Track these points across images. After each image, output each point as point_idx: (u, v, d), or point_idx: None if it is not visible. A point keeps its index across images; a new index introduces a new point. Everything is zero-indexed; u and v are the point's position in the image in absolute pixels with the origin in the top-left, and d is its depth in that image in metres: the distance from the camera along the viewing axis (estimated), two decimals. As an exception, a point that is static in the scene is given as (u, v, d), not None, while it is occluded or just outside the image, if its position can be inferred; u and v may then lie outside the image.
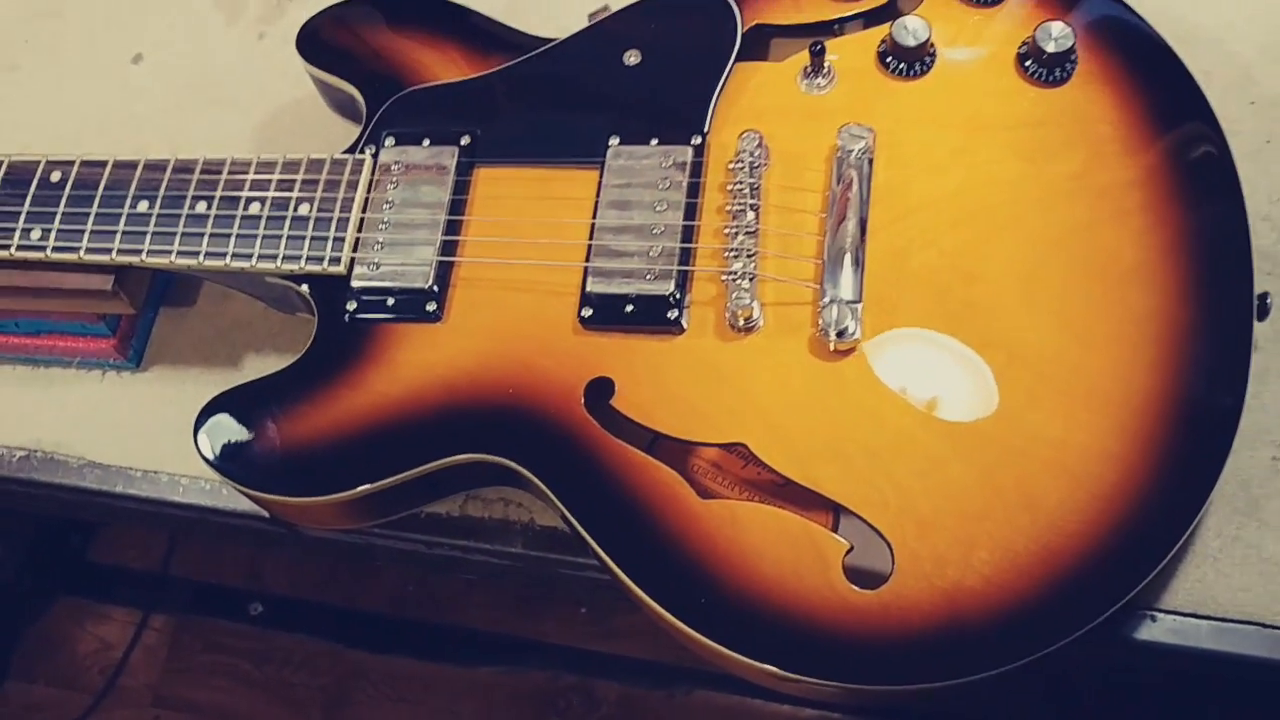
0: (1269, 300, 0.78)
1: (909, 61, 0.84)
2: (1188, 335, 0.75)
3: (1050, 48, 0.81)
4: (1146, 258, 0.77)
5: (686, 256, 0.81)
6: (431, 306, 0.83)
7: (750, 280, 0.79)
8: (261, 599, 1.72)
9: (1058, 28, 0.82)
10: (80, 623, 1.75)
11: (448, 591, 1.66)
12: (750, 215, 0.80)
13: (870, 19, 0.87)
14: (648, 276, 0.80)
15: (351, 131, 0.92)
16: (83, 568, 1.79)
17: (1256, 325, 0.80)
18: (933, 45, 0.84)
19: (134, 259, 0.88)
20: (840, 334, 0.76)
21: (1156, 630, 0.78)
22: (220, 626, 1.71)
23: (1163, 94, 0.82)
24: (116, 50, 1.12)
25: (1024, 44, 0.83)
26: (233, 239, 0.86)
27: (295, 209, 0.86)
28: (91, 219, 0.89)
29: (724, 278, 0.80)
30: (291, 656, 1.68)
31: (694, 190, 0.82)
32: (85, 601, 1.77)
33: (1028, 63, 0.83)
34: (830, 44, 0.85)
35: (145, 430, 0.96)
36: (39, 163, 0.91)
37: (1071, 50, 0.82)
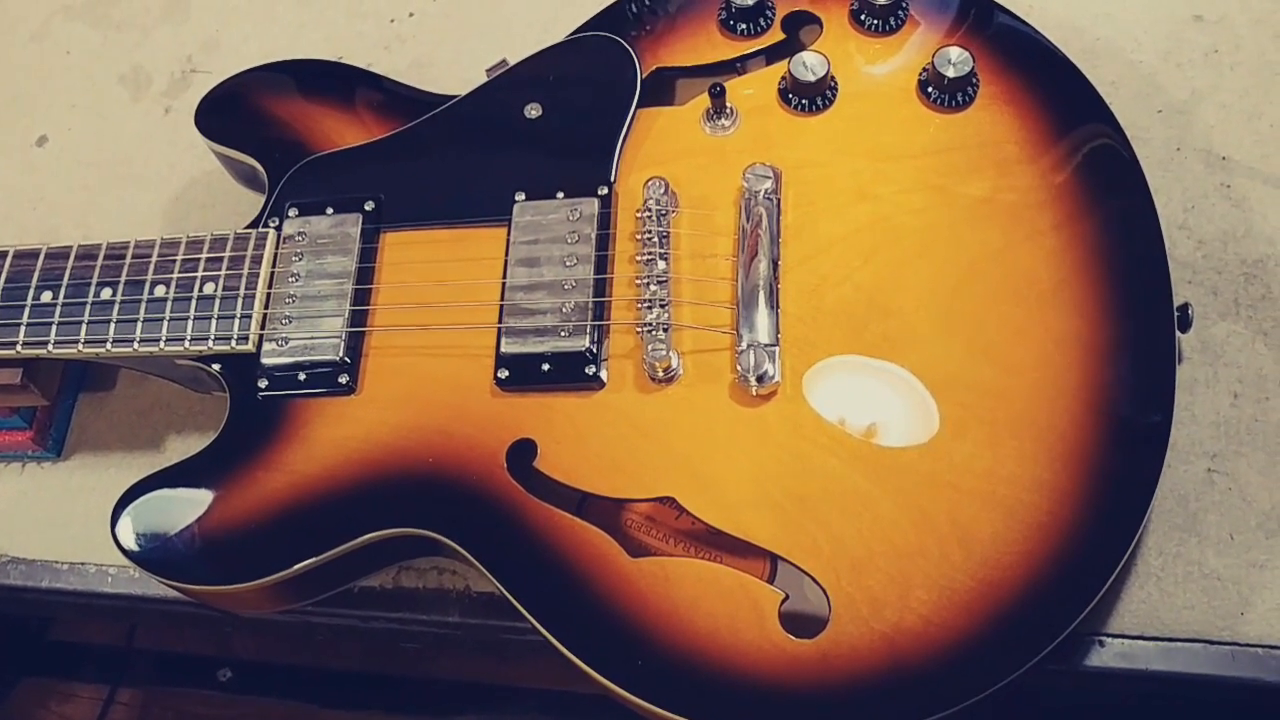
0: (1190, 311, 0.78)
1: (810, 97, 0.83)
2: (1111, 354, 0.74)
3: (950, 73, 0.80)
4: (1063, 278, 0.76)
5: (600, 310, 0.79)
6: (344, 379, 0.81)
7: (666, 330, 0.77)
8: (230, 664, 1.68)
9: (955, 52, 0.81)
10: (45, 703, 1.71)
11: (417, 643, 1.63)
12: (662, 264, 0.79)
13: (771, 56, 0.87)
14: (562, 333, 0.78)
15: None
16: (44, 647, 1.75)
17: (1181, 336, 0.79)
18: (833, 79, 0.83)
19: (40, 351, 0.86)
20: (760, 378, 0.75)
21: (1105, 655, 0.76)
22: (189, 695, 1.67)
23: (1068, 110, 0.82)
24: (20, 133, 1.11)
25: (924, 71, 0.83)
26: (139, 324, 0.84)
27: (200, 289, 0.84)
28: (-6, 313, 0.87)
29: (639, 329, 0.78)
30: (264, 720, 1.64)
31: (603, 242, 0.81)
32: (49, 681, 1.73)
33: (929, 89, 0.82)
34: (731, 84, 0.84)
35: (70, 521, 0.94)
36: (-63, 258, 0.89)
37: (972, 74, 0.81)
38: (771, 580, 0.73)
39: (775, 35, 0.87)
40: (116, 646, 1.72)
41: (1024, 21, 0.86)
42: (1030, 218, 0.78)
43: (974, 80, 0.82)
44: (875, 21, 0.85)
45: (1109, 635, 0.77)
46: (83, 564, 0.93)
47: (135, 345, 0.84)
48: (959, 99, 0.82)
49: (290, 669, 1.68)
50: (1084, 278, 0.76)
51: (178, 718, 1.66)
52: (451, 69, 1.04)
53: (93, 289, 0.85)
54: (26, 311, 0.86)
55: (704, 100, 0.84)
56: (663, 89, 0.88)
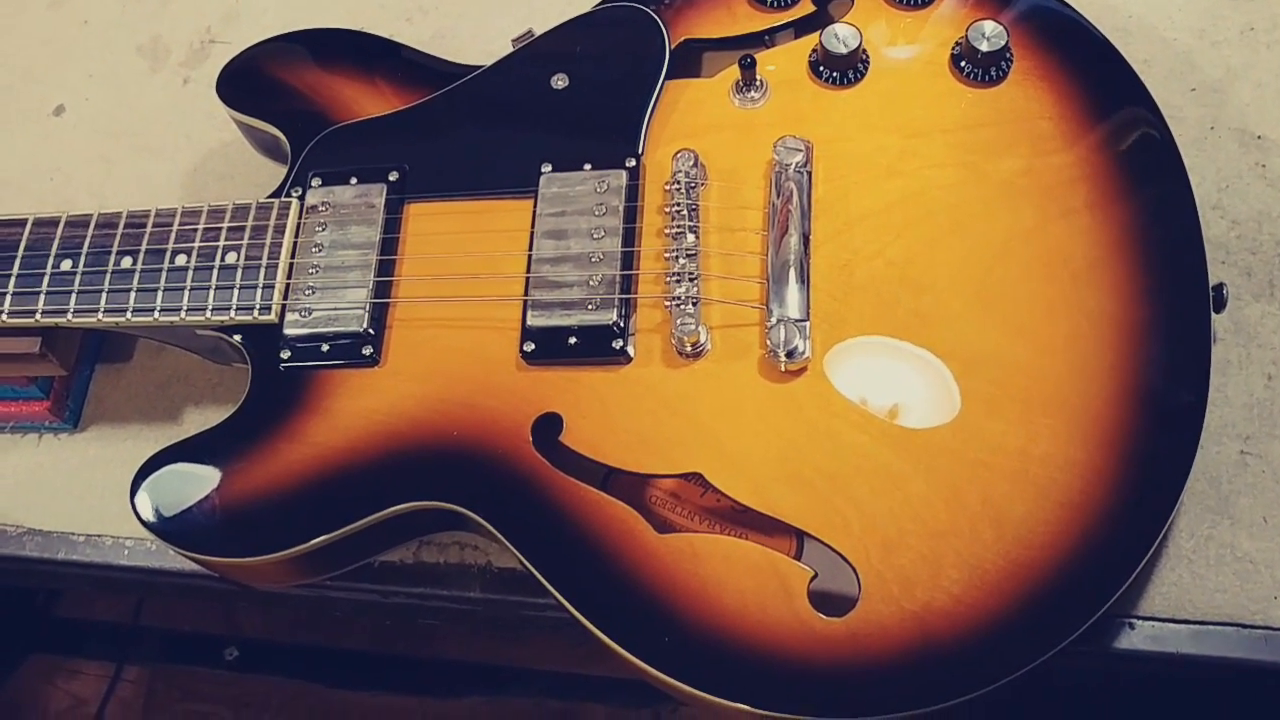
0: (1225, 291, 0.77)
1: (841, 70, 0.82)
2: (1145, 333, 0.74)
3: (984, 47, 0.79)
4: (1098, 256, 0.75)
5: (628, 284, 0.78)
6: (368, 350, 0.80)
7: (695, 305, 0.76)
8: (237, 643, 1.67)
9: (990, 26, 0.80)
10: (52, 680, 1.70)
11: (426, 623, 1.63)
12: (691, 237, 0.78)
13: (801, 28, 0.85)
14: (589, 306, 0.77)
15: (282, 173, 0.89)
16: (51, 623, 1.74)
17: (1214, 317, 0.78)
18: (865, 52, 0.82)
19: (60, 319, 0.85)
20: (790, 354, 0.74)
21: (1135, 638, 0.76)
22: (196, 674, 1.67)
23: (1103, 87, 0.81)
24: (37, 102, 1.09)
25: (957, 45, 0.81)
26: (160, 293, 0.83)
27: (222, 258, 0.83)
28: (13, 281, 0.86)
29: (667, 303, 0.77)
30: (271, 700, 1.64)
31: (631, 215, 0.80)
32: (56, 658, 1.72)
33: (962, 63, 0.81)
34: (761, 56, 0.83)
35: (86, 493, 0.93)
36: (-45, 226, 0.88)
37: (1006, 48, 0.80)
38: (798, 559, 0.73)
39: (805, 8, 0.86)
40: (123, 624, 1.71)
41: (1057, -4, 0.85)
42: (1064, 195, 0.77)
43: (1008, 55, 0.81)
44: (908, -6, 0.84)
45: (1139, 617, 0.76)
46: (99, 536, 0.92)
47: (156, 315, 0.83)
48: (992, 74, 0.81)
49: (297, 649, 1.67)
50: (1118, 256, 0.75)
51: (184, 696, 1.66)
52: (473, 41, 1.03)
53: (113, 258, 0.85)
54: (46, 280, 0.85)
55: (733, 72, 0.83)
56: (690, 61, 0.87)
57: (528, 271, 0.79)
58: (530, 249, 0.80)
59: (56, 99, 1.09)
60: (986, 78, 0.81)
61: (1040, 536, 0.70)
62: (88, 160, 1.06)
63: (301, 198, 0.85)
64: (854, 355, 0.75)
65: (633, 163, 0.81)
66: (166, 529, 0.79)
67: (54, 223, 0.87)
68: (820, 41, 0.81)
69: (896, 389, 0.74)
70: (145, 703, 1.67)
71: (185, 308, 0.83)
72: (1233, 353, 0.81)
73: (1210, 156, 0.87)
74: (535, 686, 1.55)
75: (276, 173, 0.91)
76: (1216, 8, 0.92)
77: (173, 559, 0.90)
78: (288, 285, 0.82)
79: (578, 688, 1.53)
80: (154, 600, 1.70)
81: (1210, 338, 0.73)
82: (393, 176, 0.85)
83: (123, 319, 0.83)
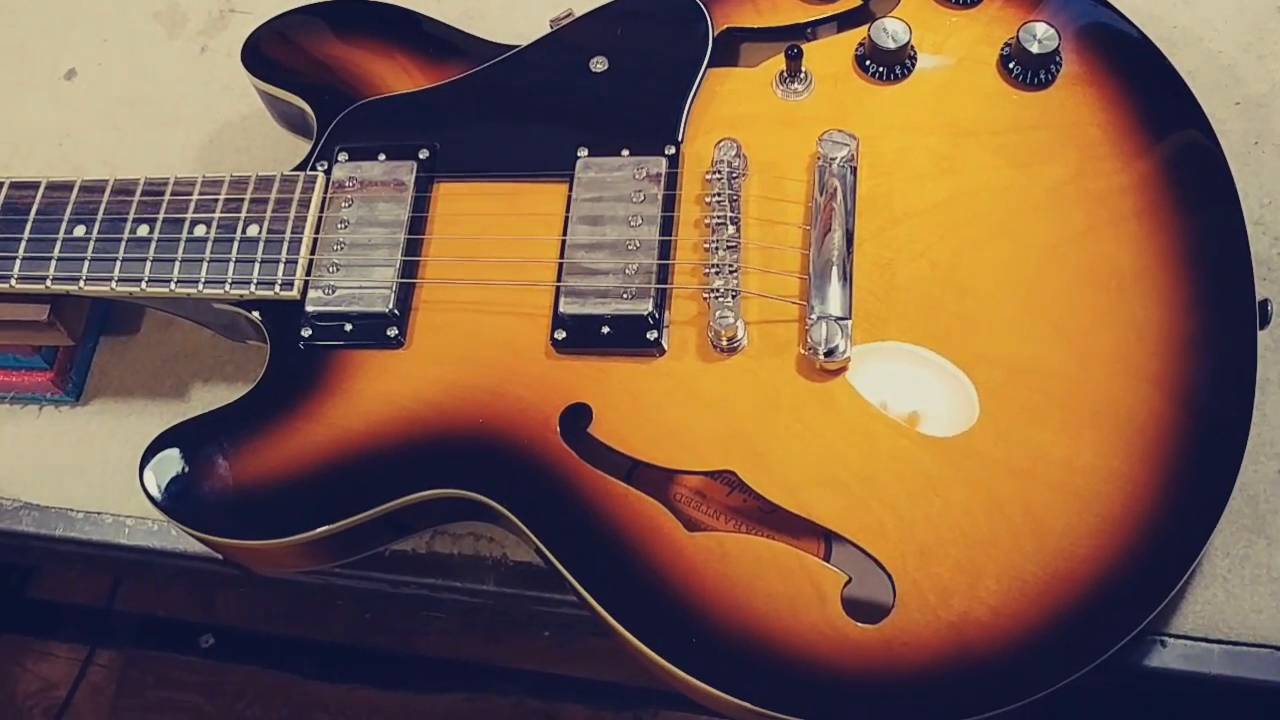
0: (1270, 307, 0.75)
1: (888, 65, 0.80)
2: (1191, 345, 0.72)
3: (1034, 49, 0.78)
4: (1145, 266, 0.74)
5: (664, 273, 0.76)
6: (393, 332, 0.78)
7: (733, 297, 0.74)
8: (213, 630, 1.64)
9: (1042, 28, 0.78)
10: (20, 661, 1.67)
11: (407, 618, 1.61)
12: (731, 228, 0.76)
13: (844, 22, 0.84)
14: (624, 295, 0.75)
15: (302, 149, 0.87)
16: (22, 603, 1.71)
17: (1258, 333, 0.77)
18: (912, 48, 0.80)
19: (71, 287, 0.82)
20: (829, 353, 0.72)
21: (1167, 656, 0.74)
22: (170, 660, 1.64)
23: (1152, 95, 0.79)
24: (47, 65, 1.07)
25: (1006, 45, 0.80)
26: (177, 264, 0.81)
27: (243, 230, 0.81)
28: (24, 245, 0.83)
29: (705, 295, 0.75)
30: (245, 690, 1.61)
31: (669, 203, 0.78)
32: (25, 639, 1.69)
33: (1011, 65, 0.79)
34: (806, 48, 0.81)
35: (87, 468, 0.91)
36: (-36, 186, 0.85)
37: (1056, 51, 0.79)
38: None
39: (850, 2, 0.84)
40: (97, 607, 1.68)
41: (1108, 3, 0.83)
42: (1113, 203, 0.76)
43: (1057, 58, 0.79)
44: (958, -8, 0.82)
45: (1171, 635, 0.75)
46: (98, 513, 0.90)
47: (172, 286, 0.80)
48: (1041, 77, 0.79)
49: (275, 639, 1.64)
50: (1166, 267, 0.74)
51: (157, 682, 1.63)
52: (503, 21, 1.00)
53: (129, 225, 0.82)
54: (58, 245, 0.82)
55: (777, 63, 0.81)
56: (730, 50, 0.85)
57: (561, 257, 0.77)
58: (564, 234, 0.78)
59: (68, 62, 1.06)
60: (1035, 80, 0.79)
61: (1081, 549, 0.68)
62: (99, 127, 1.03)
63: (328, 172, 0.83)
64: (894, 357, 0.74)
65: (672, 150, 0.80)
66: (175, 507, 0.76)
67: (68, 187, 0.84)
68: (869, 36, 0.80)
69: (937, 393, 0.72)
70: (117, 688, 1.63)
71: (203, 280, 0.80)
72: (1272, 371, 0.80)
73: (1254, 171, 0.85)
74: (517, 686, 1.53)
75: (296, 147, 0.89)
76: (1264, 21, 0.90)
77: (174, 539, 0.88)
78: (311, 261, 0.80)
79: (559, 688, 1.51)
80: (131, 583, 1.67)
81: (1256, 352, 0.72)
82: (423, 154, 0.82)
83: (137, 289, 0.81)
